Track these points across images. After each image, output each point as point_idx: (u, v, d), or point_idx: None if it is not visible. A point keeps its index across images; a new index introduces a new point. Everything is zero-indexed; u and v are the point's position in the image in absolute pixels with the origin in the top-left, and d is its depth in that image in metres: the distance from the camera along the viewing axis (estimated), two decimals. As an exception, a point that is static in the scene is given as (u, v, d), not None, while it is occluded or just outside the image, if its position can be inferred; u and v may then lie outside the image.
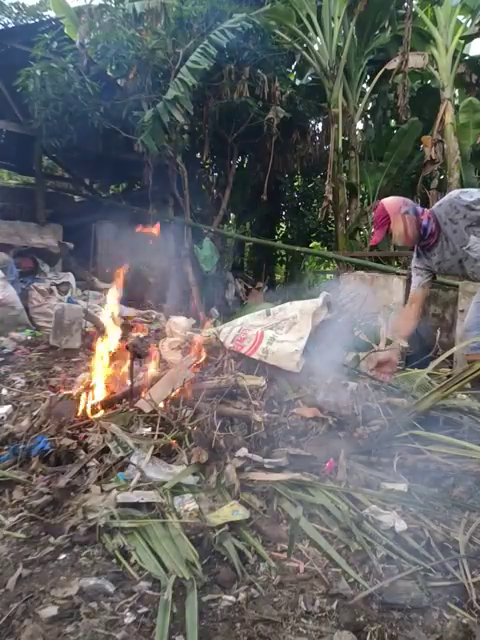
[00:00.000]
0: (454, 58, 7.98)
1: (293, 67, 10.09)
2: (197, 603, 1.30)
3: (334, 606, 1.35)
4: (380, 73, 8.57)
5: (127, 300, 7.27)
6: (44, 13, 11.06)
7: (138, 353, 2.81)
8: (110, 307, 3.09)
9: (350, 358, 2.90)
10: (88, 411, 2.49)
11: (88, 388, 2.65)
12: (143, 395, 2.50)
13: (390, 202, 2.64)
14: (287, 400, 2.53)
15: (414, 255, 2.90)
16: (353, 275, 5.83)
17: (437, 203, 2.73)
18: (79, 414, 2.47)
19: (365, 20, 8.11)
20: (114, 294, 3.12)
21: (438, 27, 7.94)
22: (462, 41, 8.25)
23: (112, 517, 1.61)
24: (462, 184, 7.81)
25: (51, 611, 1.28)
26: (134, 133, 6.94)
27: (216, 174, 10.33)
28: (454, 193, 2.64)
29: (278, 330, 2.88)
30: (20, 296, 5.68)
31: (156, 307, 7.46)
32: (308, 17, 8.13)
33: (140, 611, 1.30)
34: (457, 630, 1.27)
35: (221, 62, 7.10)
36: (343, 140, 8.82)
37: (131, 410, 2.47)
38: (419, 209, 2.63)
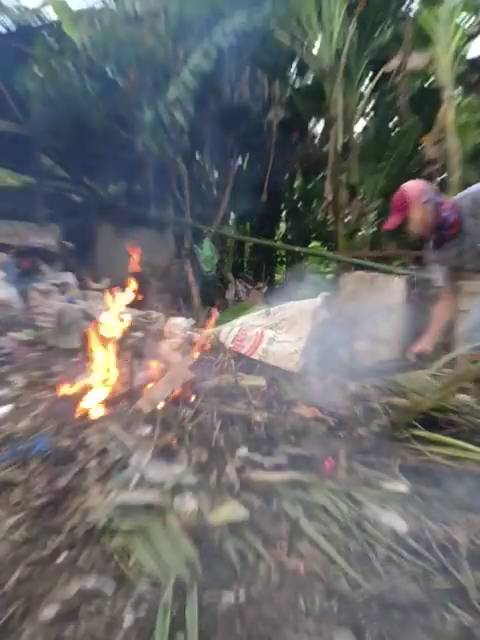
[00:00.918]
0: (454, 58, 7.97)
1: (293, 68, 10.08)
2: (197, 603, 1.30)
3: (334, 606, 1.35)
4: (380, 73, 8.57)
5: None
6: (44, 13, 11.06)
7: (138, 353, 2.81)
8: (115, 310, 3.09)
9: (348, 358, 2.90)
10: (88, 411, 2.49)
11: (88, 388, 2.65)
12: (143, 395, 2.50)
13: (412, 187, 2.54)
14: (287, 400, 2.53)
15: (431, 247, 2.79)
16: (353, 275, 5.82)
17: (459, 195, 2.63)
18: (79, 414, 2.47)
19: (365, 20, 8.11)
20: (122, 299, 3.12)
21: (438, 27, 7.93)
22: (462, 41, 8.24)
23: (112, 517, 1.61)
24: (462, 184, 7.81)
25: (51, 612, 1.28)
26: (134, 133, 6.94)
27: (216, 174, 10.32)
28: (477, 187, 2.55)
29: (278, 330, 2.88)
30: (20, 296, 5.67)
31: (156, 307, 7.45)
32: (308, 17, 8.12)
33: (140, 611, 1.30)
34: (457, 631, 1.27)
35: (221, 62, 7.10)
36: (343, 140, 8.81)
37: (131, 410, 2.47)
38: (440, 199, 2.56)
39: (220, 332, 3.02)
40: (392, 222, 2.58)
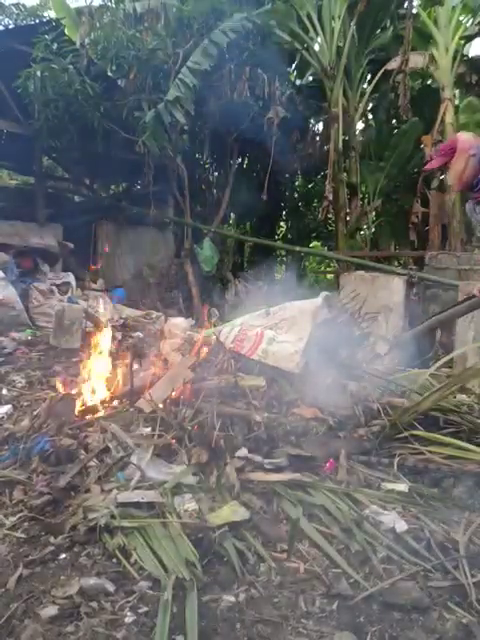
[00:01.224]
0: (454, 58, 7.98)
1: (293, 67, 10.08)
2: (197, 603, 1.30)
3: (334, 606, 1.35)
4: (380, 73, 8.57)
5: (127, 300, 7.28)
6: (44, 13, 11.07)
7: (138, 353, 2.81)
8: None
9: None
10: (88, 411, 2.49)
11: (88, 388, 2.65)
12: (143, 395, 2.50)
13: (464, 138, 2.53)
14: (287, 400, 2.53)
15: (472, 208, 2.74)
16: (353, 275, 5.83)
17: None
18: (79, 414, 2.47)
19: (365, 20, 8.10)
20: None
21: (438, 27, 7.93)
22: (462, 41, 8.25)
23: (112, 517, 1.61)
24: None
25: (51, 611, 1.29)
26: (134, 133, 6.94)
27: (216, 174, 10.33)
28: None
29: (278, 330, 2.87)
30: (20, 296, 5.67)
31: (156, 307, 7.45)
32: (308, 17, 8.13)
33: (140, 611, 1.30)
34: (457, 630, 1.28)
35: (221, 62, 7.09)
36: (343, 140, 8.82)
37: (131, 410, 2.48)
38: None
39: (220, 332, 3.02)
40: (434, 164, 2.57)
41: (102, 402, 2.59)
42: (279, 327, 2.91)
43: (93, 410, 2.50)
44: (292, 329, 2.84)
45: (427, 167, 2.67)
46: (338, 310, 3.17)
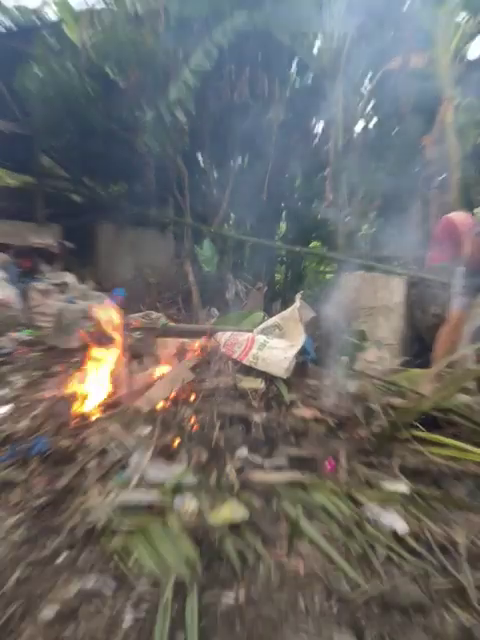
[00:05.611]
0: (454, 58, 7.98)
1: (293, 67, 10.07)
2: (197, 603, 1.30)
3: (334, 606, 1.35)
4: (380, 73, 8.57)
5: (127, 301, 7.28)
6: (44, 13, 11.03)
7: (137, 353, 2.81)
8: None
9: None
10: (88, 411, 2.49)
11: (88, 388, 2.64)
12: (143, 395, 2.50)
13: (461, 220, 2.39)
14: (287, 401, 2.53)
15: (461, 274, 2.55)
16: (353, 275, 5.82)
17: None
18: (79, 414, 2.47)
19: (365, 19, 8.09)
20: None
21: (438, 27, 7.93)
22: (462, 41, 8.24)
23: (112, 518, 1.61)
24: (462, 184, 7.81)
25: (50, 612, 1.28)
26: (134, 133, 6.94)
27: (216, 174, 10.32)
28: None
29: (269, 334, 2.88)
30: (20, 296, 5.67)
31: (156, 308, 7.45)
32: (308, 17, 8.12)
33: (140, 611, 1.30)
34: (458, 631, 1.27)
35: (221, 62, 7.09)
36: (343, 140, 8.82)
37: (131, 410, 2.47)
38: None
39: (218, 336, 3.02)
40: (443, 257, 2.44)
41: (101, 402, 2.58)
42: (268, 331, 2.93)
43: (92, 410, 2.50)
44: (285, 336, 2.85)
45: (435, 260, 2.53)
46: (338, 310, 3.18)
